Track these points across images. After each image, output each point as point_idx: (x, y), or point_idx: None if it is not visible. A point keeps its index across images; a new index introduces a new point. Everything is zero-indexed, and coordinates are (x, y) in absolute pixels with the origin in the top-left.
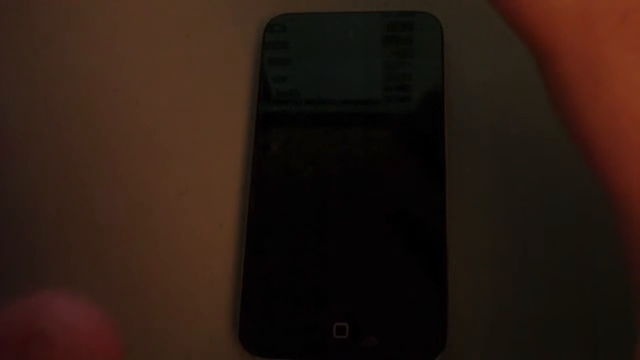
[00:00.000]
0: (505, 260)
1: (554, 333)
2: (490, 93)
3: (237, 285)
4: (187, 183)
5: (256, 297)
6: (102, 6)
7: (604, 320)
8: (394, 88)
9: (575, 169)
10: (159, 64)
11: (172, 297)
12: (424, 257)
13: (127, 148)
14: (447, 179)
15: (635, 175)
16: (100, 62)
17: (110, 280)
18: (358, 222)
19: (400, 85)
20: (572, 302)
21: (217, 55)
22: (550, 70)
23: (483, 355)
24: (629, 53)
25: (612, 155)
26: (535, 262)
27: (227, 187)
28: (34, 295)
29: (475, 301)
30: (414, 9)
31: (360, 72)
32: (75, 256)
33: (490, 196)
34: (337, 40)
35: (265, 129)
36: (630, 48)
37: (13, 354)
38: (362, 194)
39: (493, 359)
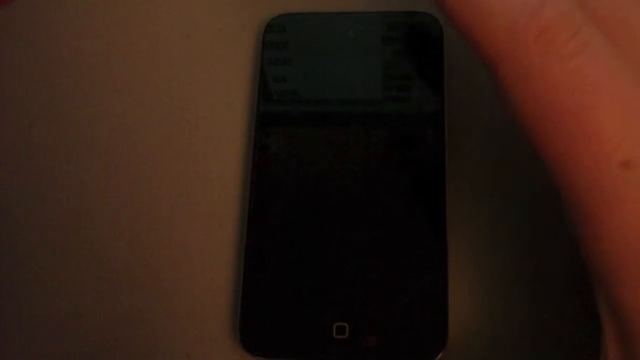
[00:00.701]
0: (506, 259)
1: (555, 333)
2: (490, 92)
3: (237, 285)
4: (187, 183)
5: (256, 297)
6: (102, 6)
7: None
8: (394, 88)
9: None
10: (159, 64)
11: (172, 297)
12: (424, 257)
13: (127, 148)
14: (447, 178)
15: (561, 144)
16: (101, 62)
17: (110, 280)
18: (358, 221)
19: (400, 85)
20: (572, 302)
21: (217, 55)
22: (494, 75)
23: (483, 355)
24: (548, 56)
25: (547, 138)
26: (536, 261)
27: (227, 187)
28: None
29: (475, 301)
30: (414, 9)
31: (360, 72)
32: (75, 256)
33: (491, 195)
34: (337, 40)
35: (265, 129)
36: (549, 52)
37: None
38: (361, 194)
39: (493, 359)
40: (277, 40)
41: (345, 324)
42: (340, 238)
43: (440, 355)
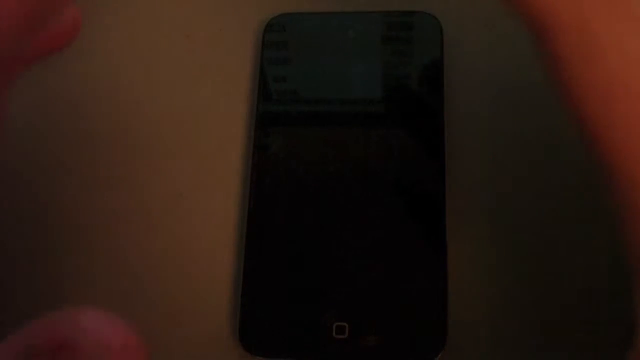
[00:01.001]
0: (506, 259)
1: (554, 333)
2: (490, 92)
3: (237, 285)
4: (187, 183)
5: (256, 297)
6: (102, 6)
7: (605, 320)
8: (394, 88)
9: (576, 168)
10: (159, 64)
11: (172, 297)
12: (424, 257)
13: (127, 148)
14: (447, 178)
15: (626, 139)
16: (100, 62)
17: (110, 281)
18: (358, 222)
19: (400, 85)
20: (572, 302)
21: (217, 55)
22: (547, 45)
23: (483, 355)
24: (618, 24)
25: (602, 120)
26: (536, 261)
27: (227, 187)
28: (64, 309)
29: (475, 301)
30: (414, 9)
31: (360, 72)
32: (74, 256)
33: (491, 195)
34: (337, 40)
35: (265, 129)
36: (618, 19)
37: None
38: (361, 194)
39: (493, 359)
40: (277, 40)
41: (345, 324)
42: (340, 238)
43: (440, 356)
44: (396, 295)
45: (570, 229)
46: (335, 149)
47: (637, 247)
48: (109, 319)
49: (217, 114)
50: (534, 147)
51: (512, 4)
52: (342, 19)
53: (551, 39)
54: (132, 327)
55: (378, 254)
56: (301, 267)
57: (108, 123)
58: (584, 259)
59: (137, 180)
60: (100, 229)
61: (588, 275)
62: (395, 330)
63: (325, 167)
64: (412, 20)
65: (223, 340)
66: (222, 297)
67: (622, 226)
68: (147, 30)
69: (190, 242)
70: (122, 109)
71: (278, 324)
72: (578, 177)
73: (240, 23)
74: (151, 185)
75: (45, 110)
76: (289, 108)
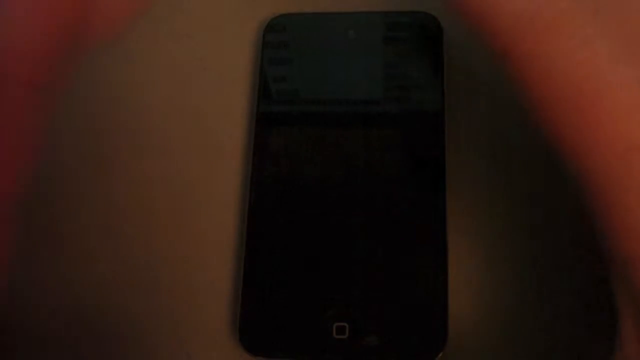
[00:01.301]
0: (506, 260)
1: (554, 333)
2: (490, 93)
3: (237, 285)
4: (186, 183)
5: (256, 297)
6: None
7: (606, 320)
8: (394, 88)
9: None
10: (159, 64)
11: (172, 297)
12: (424, 257)
13: (127, 148)
14: (447, 179)
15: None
16: (99, 62)
17: (110, 280)
18: (358, 222)
19: (400, 85)
20: (572, 302)
21: (217, 55)
22: (507, 67)
23: (483, 354)
24: (565, 43)
25: (561, 126)
26: (536, 261)
27: (227, 187)
28: None
29: (475, 301)
30: (414, 9)
31: (360, 72)
32: (74, 255)
33: (491, 196)
34: (337, 40)
35: (265, 129)
36: (562, 39)
37: None
38: (361, 194)
39: (493, 359)
40: (277, 40)
41: (345, 324)
42: (340, 238)
43: (440, 355)
44: (396, 295)
45: (570, 228)
46: (335, 149)
47: (603, 232)
48: None
49: (217, 114)
50: (535, 146)
51: (473, 23)
52: (342, 19)
53: (513, 57)
54: None
55: (378, 254)
56: (301, 267)
57: (107, 123)
58: (584, 259)
59: (137, 180)
60: (100, 228)
61: (589, 275)
62: (395, 330)
63: (326, 167)
64: (412, 20)
65: (223, 340)
66: (222, 297)
67: (598, 226)
68: (147, 30)
69: (190, 242)
70: (121, 109)
71: (278, 324)
72: None
73: (240, 23)
74: (151, 185)
75: None
76: (289, 108)
